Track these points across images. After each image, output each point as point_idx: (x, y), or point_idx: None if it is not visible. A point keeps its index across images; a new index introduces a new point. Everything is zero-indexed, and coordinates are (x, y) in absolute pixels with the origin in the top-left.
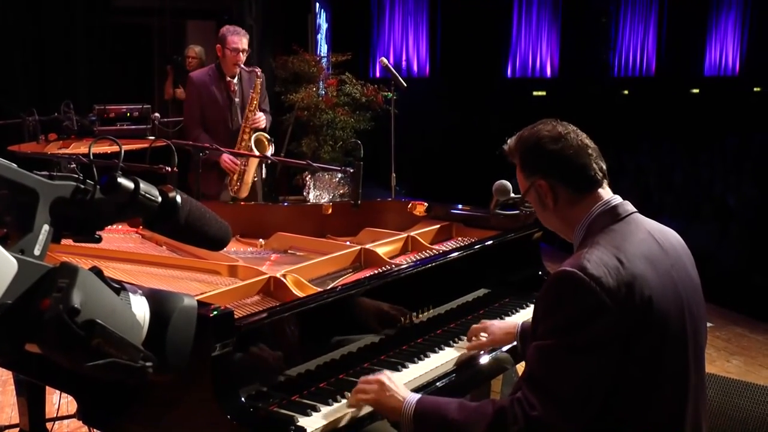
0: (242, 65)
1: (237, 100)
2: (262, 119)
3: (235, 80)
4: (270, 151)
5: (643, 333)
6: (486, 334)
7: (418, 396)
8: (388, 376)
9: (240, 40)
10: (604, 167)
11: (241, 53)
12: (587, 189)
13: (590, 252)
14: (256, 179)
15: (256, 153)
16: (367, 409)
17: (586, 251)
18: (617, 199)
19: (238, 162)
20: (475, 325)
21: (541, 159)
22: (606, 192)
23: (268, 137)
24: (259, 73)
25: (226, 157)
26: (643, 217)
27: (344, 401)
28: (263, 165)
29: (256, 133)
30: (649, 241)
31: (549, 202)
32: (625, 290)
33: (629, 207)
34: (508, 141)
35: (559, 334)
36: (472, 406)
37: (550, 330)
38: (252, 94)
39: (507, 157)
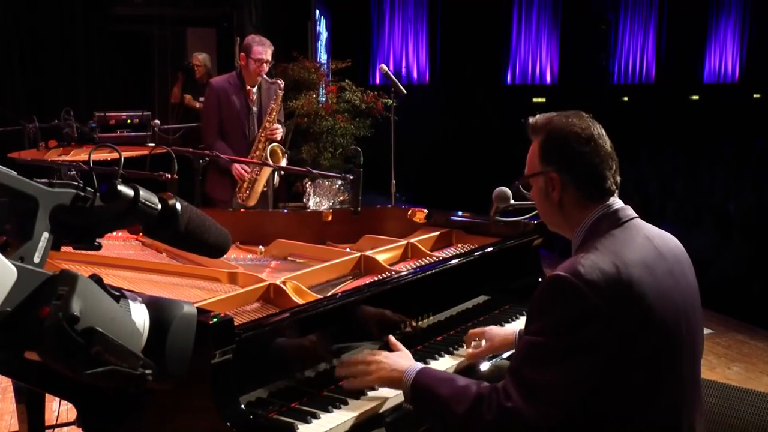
0: (264, 75)
1: (255, 109)
2: (279, 130)
3: (255, 89)
4: (283, 162)
5: (640, 338)
6: (484, 341)
7: (419, 367)
8: (384, 354)
9: (265, 51)
10: (619, 181)
11: (265, 64)
12: (596, 198)
13: (586, 257)
14: (266, 189)
15: (270, 163)
16: (368, 416)
17: (582, 256)
18: (618, 204)
19: (249, 170)
20: (472, 330)
21: (565, 155)
22: (611, 199)
23: (283, 149)
24: (281, 85)
25: (238, 165)
26: (643, 222)
27: (343, 408)
28: (275, 174)
29: (272, 144)
30: (648, 247)
31: (554, 196)
32: (620, 296)
33: (630, 212)
34: (537, 116)
35: (548, 334)
36: (458, 385)
37: (541, 329)
38: (272, 105)
39: (527, 129)
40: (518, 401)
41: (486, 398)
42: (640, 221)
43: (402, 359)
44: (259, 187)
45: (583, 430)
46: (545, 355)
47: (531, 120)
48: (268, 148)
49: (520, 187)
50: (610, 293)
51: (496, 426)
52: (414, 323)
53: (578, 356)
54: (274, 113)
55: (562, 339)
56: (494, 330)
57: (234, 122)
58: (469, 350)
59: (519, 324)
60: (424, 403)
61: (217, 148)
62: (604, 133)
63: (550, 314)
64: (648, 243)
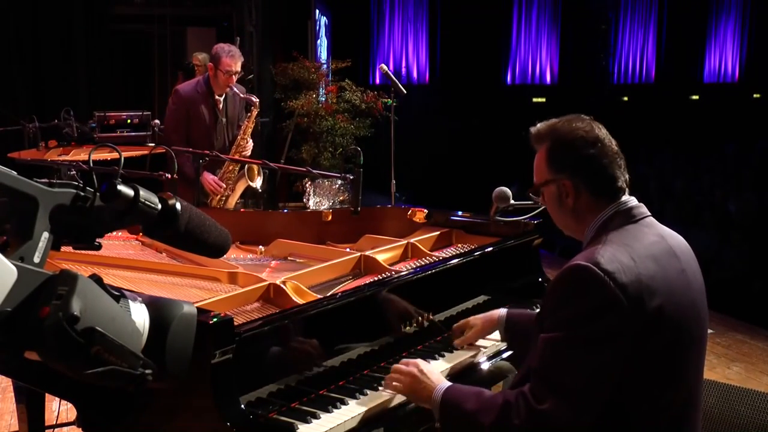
0: (236, 87)
1: (223, 119)
2: (250, 147)
3: (222, 99)
4: (259, 180)
5: (653, 332)
6: (467, 330)
7: (447, 385)
8: (420, 368)
9: (235, 62)
10: (628, 179)
11: (234, 76)
12: (609, 198)
13: (604, 248)
14: (240, 202)
15: (247, 180)
16: (367, 416)
17: (600, 247)
18: (633, 201)
19: (224, 186)
20: (455, 325)
21: (574, 159)
22: (624, 197)
23: (259, 167)
24: (256, 103)
25: (210, 179)
26: (656, 221)
27: (343, 408)
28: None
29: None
30: (662, 244)
31: (569, 201)
32: (637, 288)
33: (644, 210)
34: (538, 125)
35: (569, 326)
36: (486, 396)
37: (560, 322)
38: (247, 122)
39: (530, 140)
40: (547, 402)
41: (513, 404)
42: (653, 220)
43: (433, 377)
44: (233, 201)
45: (591, 426)
46: (568, 349)
47: (532, 129)
48: (246, 166)
49: (531, 195)
50: (627, 284)
51: (527, 430)
52: (414, 323)
53: (601, 347)
54: (249, 130)
55: (583, 330)
56: (474, 318)
57: (201, 132)
58: (457, 340)
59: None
60: (453, 419)
61: (184, 158)
62: (609, 134)
63: (569, 305)
64: (662, 240)
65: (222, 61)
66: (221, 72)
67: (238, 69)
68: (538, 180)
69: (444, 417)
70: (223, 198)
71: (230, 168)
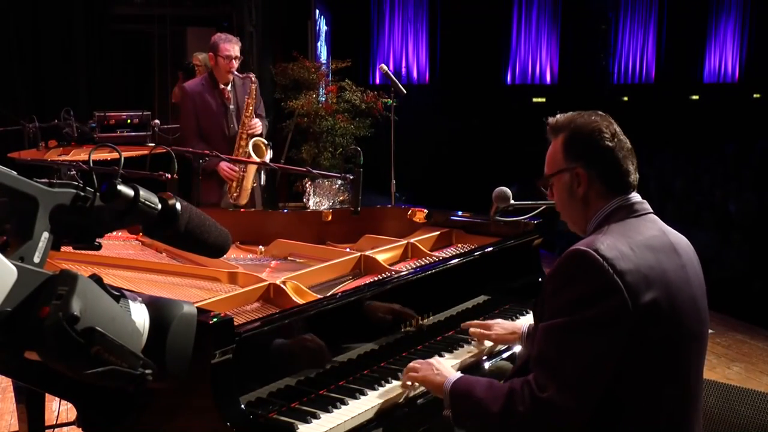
0: (235, 72)
1: (232, 107)
2: (258, 125)
3: (229, 87)
4: (268, 155)
5: (650, 323)
6: (492, 331)
7: (458, 376)
8: (437, 359)
9: (232, 47)
10: (637, 178)
11: (234, 60)
12: (619, 191)
13: (604, 236)
14: (255, 185)
15: (255, 158)
16: (367, 416)
17: (600, 236)
18: (637, 197)
19: (237, 169)
20: (477, 322)
21: (592, 150)
22: (632, 193)
23: (266, 142)
24: (253, 78)
25: (225, 165)
26: (658, 218)
27: (343, 408)
28: (262, 170)
29: (254, 139)
30: (663, 238)
31: (580, 191)
32: (635, 277)
33: (647, 206)
34: (557, 116)
35: (569, 311)
36: (495, 385)
37: (560, 308)
38: (248, 99)
39: (547, 130)
40: (549, 390)
41: (518, 391)
42: (655, 216)
43: (447, 368)
44: (248, 183)
45: (590, 421)
46: (567, 335)
47: (551, 120)
48: (251, 143)
49: (541, 187)
50: (626, 272)
51: (531, 418)
52: (414, 323)
53: (601, 331)
54: (251, 108)
55: (582, 314)
56: (501, 323)
57: (212, 123)
58: (478, 330)
59: (521, 323)
60: (462, 407)
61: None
62: (622, 132)
63: (569, 289)
64: (663, 236)
65: (220, 47)
66: (221, 58)
67: (237, 53)
68: (551, 170)
69: (454, 404)
70: (240, 182)
71: (240, 150)
